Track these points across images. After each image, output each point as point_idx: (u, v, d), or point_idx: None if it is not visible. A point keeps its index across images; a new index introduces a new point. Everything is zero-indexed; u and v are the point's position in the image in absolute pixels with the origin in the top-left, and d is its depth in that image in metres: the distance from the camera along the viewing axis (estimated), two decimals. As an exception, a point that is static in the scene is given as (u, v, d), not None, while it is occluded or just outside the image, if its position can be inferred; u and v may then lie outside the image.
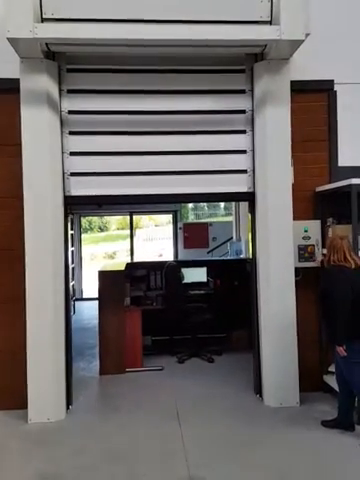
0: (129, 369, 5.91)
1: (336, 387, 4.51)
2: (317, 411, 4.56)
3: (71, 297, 8.28)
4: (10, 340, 4.75)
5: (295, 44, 4.33)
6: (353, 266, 3.93)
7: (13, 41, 4.17)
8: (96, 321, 6.13)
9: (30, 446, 4.11)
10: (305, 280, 4.90)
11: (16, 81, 4.53)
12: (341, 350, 3.86)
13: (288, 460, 3.72)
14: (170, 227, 12.40)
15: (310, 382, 4.89)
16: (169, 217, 12.50)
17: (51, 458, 3.87)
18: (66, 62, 4.71)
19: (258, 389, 4.96)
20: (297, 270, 4.84)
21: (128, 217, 12.30)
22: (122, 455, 3.86)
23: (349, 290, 3.83)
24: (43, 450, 4.01)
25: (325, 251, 4.46)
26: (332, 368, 4.87)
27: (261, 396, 4.91)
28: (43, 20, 4.23)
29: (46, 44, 4.32)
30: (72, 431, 4.41)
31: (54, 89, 4.61)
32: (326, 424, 4.24)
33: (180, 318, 6.45)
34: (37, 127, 4.54)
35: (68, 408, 4.78)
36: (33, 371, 4.56)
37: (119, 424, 4.47)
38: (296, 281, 4.79)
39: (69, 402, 4.82)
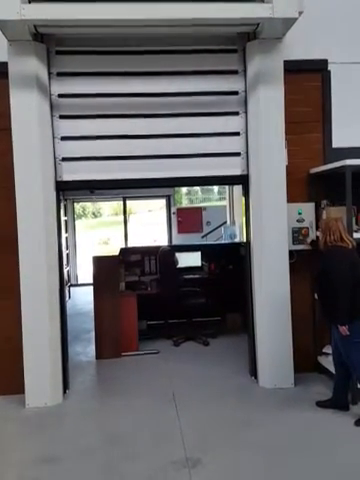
0: (125, 353, 5.94)
1: (330, 368, 4.55)
2: (312, 392, 4.60)
3: (66, 283, 8.29)
4: (6, 326, 4.74)
5: (288, 22, 4.25)
6: (350, 246, 3.94)
7: (0, 23, 4.07)
8: (91, 306, 6.13)
9: (28, 430, 4.13)
10: (299, 263, 4.91)
11: (4, 65, 4.45)
12: (344, 330, 3.86)
13: (283, 440, 3.76)
14: (164, 212, 12.36)
15: (305, 363, 4.93)
16: (163, 202, 12.45)
17: (49, 442, 3.90)
18: (55, 44, 4.62)
19: (253, 371, 5.00)
20: (291, 253, 4.85)
21: (121, 203, 12.25)
22: (119, 438, 3.89)
23: (348, 269, 3.84)
24: (41, 434, 4.04)
25: (319, 233, 4.46)
26: (326, 349, 4.92)
27: (256, 378, 4.95)
28: (31, 1, 4.12)
29: (34, 26, 4.22)
30: (69, 415, 4.44)
31: (43, 72, 4.53)
32: (321, 404, 4.28)
33: (175, 302, 6.45)
34: (27, 111, 4.48)
35: (65, 392, 4.80)
36: (29, 356, 4.56)
37: (116, 407, 4.50)
38: (290, 264, 4.80)
39: (66, 386, 4.84)
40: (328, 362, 4.71)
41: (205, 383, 4.98)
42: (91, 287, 6.17)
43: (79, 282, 11.69)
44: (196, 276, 7.06)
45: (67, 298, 8.45)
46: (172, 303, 6.48)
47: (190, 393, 4.73)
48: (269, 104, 4.64)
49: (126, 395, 4.77)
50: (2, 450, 3.80)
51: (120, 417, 4.29)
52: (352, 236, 4.16)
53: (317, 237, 4.76)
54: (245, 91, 4.78)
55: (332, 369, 4.42)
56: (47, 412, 4.47)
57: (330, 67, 4.96)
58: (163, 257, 6.72)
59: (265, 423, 4.05)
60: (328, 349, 4.78)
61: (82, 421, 4.27)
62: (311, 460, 3.45)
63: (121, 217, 12.58)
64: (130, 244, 11.58)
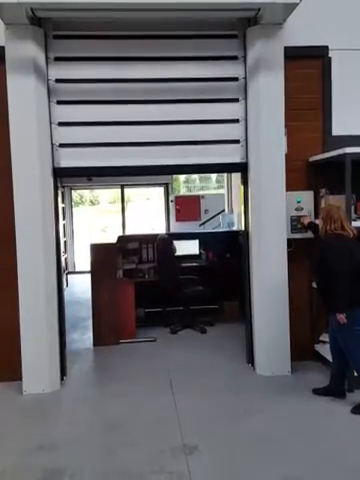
0: (122, 340, 5.95)
1: (327, 356, 4.57)
2: (308, 379, 4.62)
3: (64, 270, 8.27)
4: (3, 313, 4.72)
5: (289, 8, 4.19)
6: (351, 235, 3.94)
7: (-3, 6, 4.01)
8: (89, 294, 6.12)
9: (25, 417, 4.15)
10: (297, 251, 4.90)
11: (1, 49, 4.39)
12: (342, 317, 3.86)
13: (280, 427, 3.78)
14: (162, 200, 12.32)
15: (301, 351, 4.95)
16: (161, 190, 12.41)
17: (47, 428, 3.91)
18: (53, 28, 4.56)
19: (250, 359, 5.01)
20: (289, 241, 4.83)
21: (119, 191, 12.21)
22: (116, 424, 3.90)
23: (348, 258, 3.84)
24: (39, 421, 4.05)
25: (317, 221, 4.44)
26: (323, 337, 4.94)
27: (253, 365, 4.97)
28: (27, -16, 4.05)
29: (31, 9, 4.16)
30: (67, 402, 4.46)
31: (41, 57, 4.48)
32: (317, 392, 4.30)
33: (172, 290, 6.46)
34: (24, 96, 4.43)
35: (62, 379, 4.81)
36: (27, 343, 4.56)
37: (113, 394, 4.51)
38: (288, 252, 4.79)
39: (63, 373, 4.85)
40: (325, 350, 4.73)
41: (202, 370, 5.00)
42: (89, 275, 6.15)
43: (77, 270, 11.69)
44: (194, 264, 7.05)
45: (65, 286, 8.45)
46: (170, 291, 6.48)
47: (187, 380, 4.75)
48: (269, 91, 4.60)
49: (123, 382, 4.78)
50: None
51: (117, 404, 4.30)
52: (351, 225, 4.14)
53: (312, 222, 4.74)
54: (245, 77, 4.73)
55: (329, 357, 4.44)
56: (44, 399, 4.48)
57: (331, 54, 4.90)
58: (161, 245, 6.70)
59: (262, 410, 4.07)
60: (325, 337, 4.80)
61: (79, 408, 4.29)
62: (307, 447, 3.47)
63: (119, 205, 12.54)
64: (128, 232, 11.56)
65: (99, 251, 6.08)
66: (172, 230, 10.99)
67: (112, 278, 6.02)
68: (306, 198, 4.93)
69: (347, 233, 3.94)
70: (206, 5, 4.10)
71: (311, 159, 4.93)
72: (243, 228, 5.10)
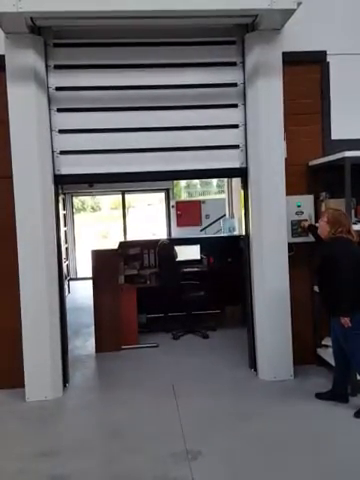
0: (125, 346, 5.95)
1: (330, 360, 4.56)
2: (311, 384, 4.61)
3: (65, 277, 8.29)
4: (5, 319, 4.73)
5: (287, 14, 4.22)
6: (355, 239, 3.97)
7: (-4, 16, 4.04)
8: (91, 300, 6.13)
9: (28, 424, 4.14)
10: (298, 255, 4.90)
11: (1, 58, 4.42)
12: (347, 321, 3.85)
13: (283, 432, 3.77)
14: (163, 205, 12.35)
15: (304, 356, 4.94)
16: (162, 195, 12.43)
17: (49, 435, 3.90)
18: (52, 37, 4.60)
19: (252, 363, 5.01)
20: (290, 245, 4.84)
21: (120, 197, 12.24)
22: (119, 431, 3.90)
23: (352, 261, 3.85)
24: (41, 427, 4.04)
25: (318, 224, 4.45)
26: (326, 341, 4.93)
27: (256, 370, 4.96)
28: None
29: (31, 18, 4.19)
30: (69, 408, 4.46)
31: (41, 65, 4.51)
32: (320, 396, 4.29)
33: (174, 295, 6.46)
34: (24, 104, 4.45)
35: (65, 386, 4.81)
36: (29, 350, 4.57)
37: (116, 400, 4.51)
38: (289, 256, 4.80)
39: (66, 380, 4.85)
40: (327, 354, 4.72)
41: (205, 376, 4.99)
42: (90, 281, 6.16)
43: (78, 276, 11.69)
44: (195, 269, 7.06)
45: (66, 292, 8.45)
46: (171, 296, 6.49)
47: (190, 386, 4.75)
48: (268, 96, 4.62)
49: (126, 388, 4.78)
50: (3, 444, 3.81)
51: (120, 410, 4.30)
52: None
53: (312, 224, 4.75)
54: (244, 83, 4.76)
55: (331, 361, 4.43)
56: (47, 406, 4.47)
57: (329, 58, 4.92)
58: (162, 250, 6.72)
59: (265, 415, 4.07)
60: (327, 341, 4.79)
61: (82, 414, 4.29)
62: (311, 452, 3.46)
63: (120, 211, 12.57)
64: (129, 238, 11.58)
65: (100, 257, 6.09)
66: (173, 235, 11.01)
67: (114, 284, 6.03)
68: (306, 202, 4.94)
69: (352, 237, 3.97)
70: (204, 12, 4.13)
71: (311, 163, 4.94)
72: (244, 233, 5.11)
